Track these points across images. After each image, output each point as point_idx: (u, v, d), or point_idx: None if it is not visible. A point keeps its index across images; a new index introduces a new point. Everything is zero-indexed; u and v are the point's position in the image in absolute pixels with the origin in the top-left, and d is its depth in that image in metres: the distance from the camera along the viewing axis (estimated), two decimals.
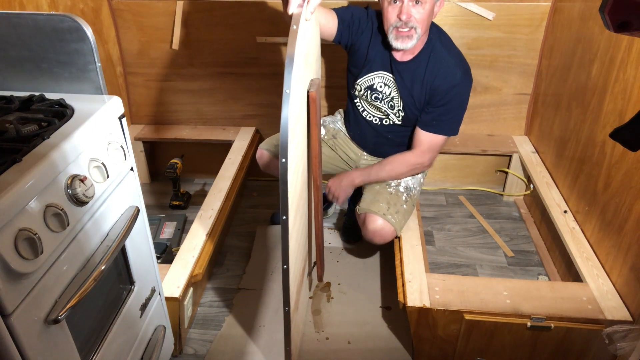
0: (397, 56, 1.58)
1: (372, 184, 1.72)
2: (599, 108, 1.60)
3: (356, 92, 1.70)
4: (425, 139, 1.63)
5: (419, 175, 1.77)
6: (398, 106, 1.64)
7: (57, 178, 0.84)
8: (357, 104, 1.73)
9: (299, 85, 1.07)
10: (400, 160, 1.67)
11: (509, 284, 1.47)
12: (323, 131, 1.85)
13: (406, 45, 1.49)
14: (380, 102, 1.66)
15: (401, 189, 1.70)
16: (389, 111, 1.66)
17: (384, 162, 1.68)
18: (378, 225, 1.60)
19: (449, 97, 1.56)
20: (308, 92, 1.22)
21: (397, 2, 1.45)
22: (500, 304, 1.39)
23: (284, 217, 1.06)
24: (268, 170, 1.86)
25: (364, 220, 1.64)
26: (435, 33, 1.58)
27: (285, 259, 1.11)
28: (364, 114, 1.72)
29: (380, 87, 1.64)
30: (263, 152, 1.83)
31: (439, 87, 1.55)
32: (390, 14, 1.47)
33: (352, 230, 2.03)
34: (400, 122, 1.67)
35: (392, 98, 1.63)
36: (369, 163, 1.82)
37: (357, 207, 1.69)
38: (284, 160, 0.99)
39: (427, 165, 1.69)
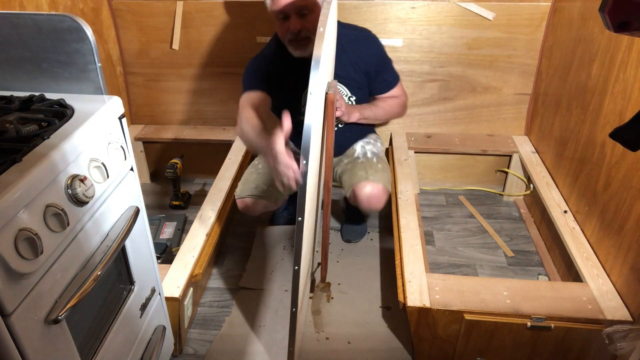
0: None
1: (351, 159, 1.82)
2: (599, 108, 1.60)
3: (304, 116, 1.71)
4: (393, 93, 1.78)
5: (379, 144, 1.90)
6: (346, 95, 1.71)
7: (57, 178, 0.84)
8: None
9: (320, 88, 1.08)
10: (391, 102, 1.80)
11: (509, 284, 1.47)
12: None
13: (304, 52, 1.56)
14: None
15: (369, 154, 1.80)
16: None
17: (377, 103, 1.78)
18: (367, 190, 1.66)
19: (377, 55, 1.72)
20: (326, 94, 1.22)
21: (285, 19, 1.52)
22: (500, 304, 1.39)
23: (300, 218, 1.07)
24: (255, 214, 1.79)
25: (355, 194, 1.69)
26: None
27: (298, 261, 1.11)
28: None
29: None
30: (246, 201, 1.73)
31: (366, 55, 1.67)
32: (282, 30, 1.55)
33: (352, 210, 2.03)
34: None
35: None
36: (344, 163, 1.84)
37: (344, 192, 1.77)
38: (304, 162, 1.00)
39: (407, 106, 1.88)
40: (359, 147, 1.86)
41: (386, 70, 1.77)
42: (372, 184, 1.66)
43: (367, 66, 1.70)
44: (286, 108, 1.67)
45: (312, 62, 0.99)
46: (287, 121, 1.14)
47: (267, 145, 1.21)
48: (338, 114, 1.61)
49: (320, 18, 1.10)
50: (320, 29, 1.05)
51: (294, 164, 1.15)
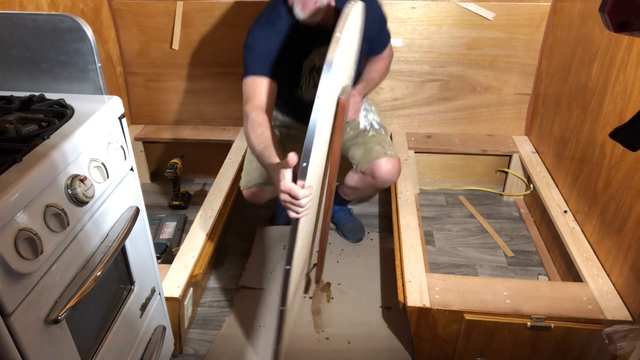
0: (324, 25, 1.49)
1: (357, 131, 1.80)
2: (599, 108, 1.60)
3: (302, 87, 1.66)
4: (385, 53, 1.75)
5: (374, 108, 1.90)
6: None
7: (57, 178, 0.84)
8: (303, 98, 1.69)
9: (331, 92, 1.06)
10: (380, 68, 1.76)
11: (509, 284, 1.47)
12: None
13: (314, 18, 1.41)
14: None
15: (376, 125, 1.80)
16: None
17: (370, 75, 1.72)
18: (386, 167, 1.66)
19: (380, 20, 1.67)
20: (339, 98, 1.21)
21: None
22: (500, 304, 1.39)
23: (296, 218, 1.07)
24: (263, 202, 1.79)
25: (373, 171, 1.68)
26: None
27: (289, 260, 1.11)
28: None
29: (321, 60, 1.53)
30: (252, 190, 1.73)
31: (371, 22, 1.58)
32: None
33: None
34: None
35: None
36: (350, 135, 1.81)
37: (356, 167, 1.74)
38: (305, 164, 0.98)
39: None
40: (361, 117, 1.82)
41: (384, 31, 1.72)
42: (390, 159, 1.67)
43: (370, 33, 1.61)
44: (286, 77, 1.63)
45: (324, 66, 0.94)
46: (292, 158, 1.04)
47: (276, 172, 1.10)
48: (353, 116, 1.59)
49: (339, 22, 1.06)
50: (336, 34, 1.01)
51: (301, 201, 1.04)
